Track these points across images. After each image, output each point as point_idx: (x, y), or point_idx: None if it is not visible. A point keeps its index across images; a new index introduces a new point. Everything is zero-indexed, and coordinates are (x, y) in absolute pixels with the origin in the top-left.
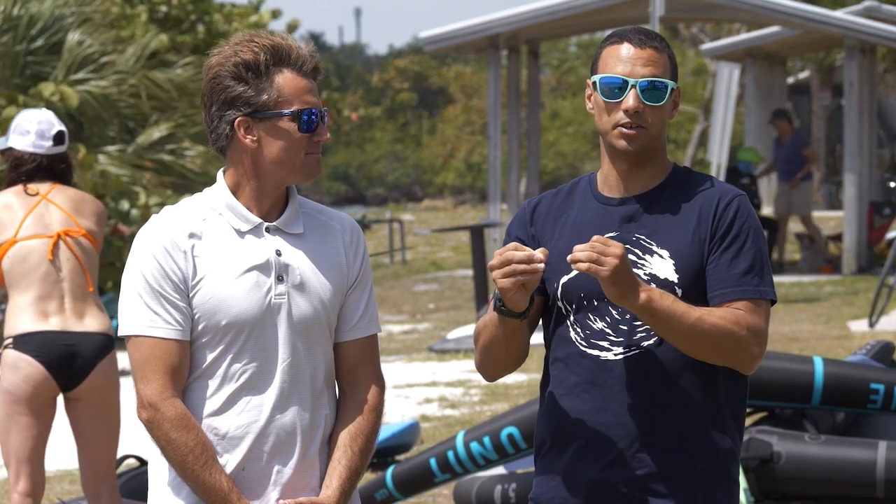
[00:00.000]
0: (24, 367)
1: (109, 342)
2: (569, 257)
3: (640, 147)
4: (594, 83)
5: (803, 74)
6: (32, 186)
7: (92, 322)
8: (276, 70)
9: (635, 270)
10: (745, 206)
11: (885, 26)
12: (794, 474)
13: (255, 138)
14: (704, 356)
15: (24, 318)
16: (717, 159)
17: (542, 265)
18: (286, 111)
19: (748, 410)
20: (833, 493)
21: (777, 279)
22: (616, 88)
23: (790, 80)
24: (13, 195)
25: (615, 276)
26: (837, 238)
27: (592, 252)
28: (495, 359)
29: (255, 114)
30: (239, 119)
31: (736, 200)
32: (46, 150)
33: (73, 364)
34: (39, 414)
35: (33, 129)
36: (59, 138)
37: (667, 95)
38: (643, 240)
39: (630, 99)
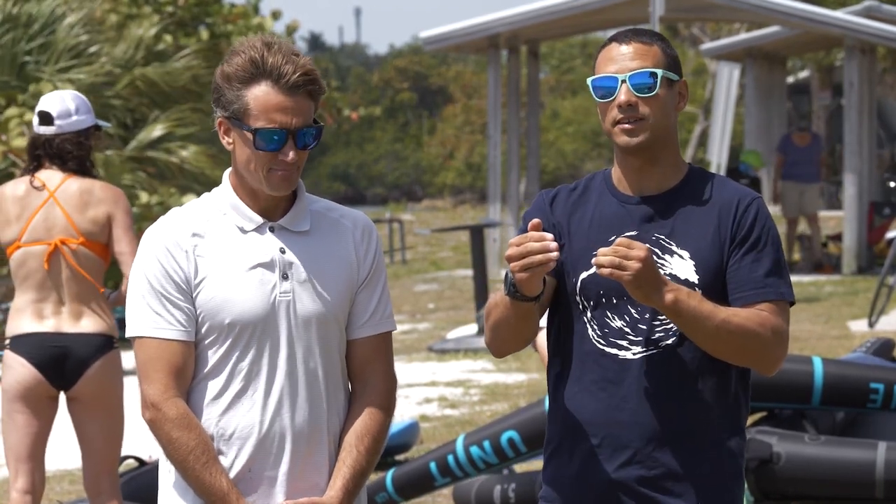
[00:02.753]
0: (17, 368)
1: (107, 342)
2: (593, 260)
3: (642, 141)
4: (590, 88)
5: (803, 74)
6: (40, 178)
7: (89, 323)
8: (254, 83)
9: None
10: (764, 209)
11: (885, 26)
12: (794, 475)
13: (230, 141)
14: (728, 357)
15: (22, 319)
16: (717, 159)
17: (556, 254)
18: (246, 126)
19: None
20: (833, 493)
21: None
22: (607, 87)
23: (790, 79)
24: (25, 185)
25: (637, 281)
26: (837, 238)
27: (615, 257)
28: (505, 338)
29: (229, 118)
30: (220, 119)
31: (755, 203)
32: (45, 132)
33: (64, 365)
34: (37, 413)
35: (36, 109)
36: (43, 118)
37: (658, 84)
38: (663, 240)
39: (621, 94)
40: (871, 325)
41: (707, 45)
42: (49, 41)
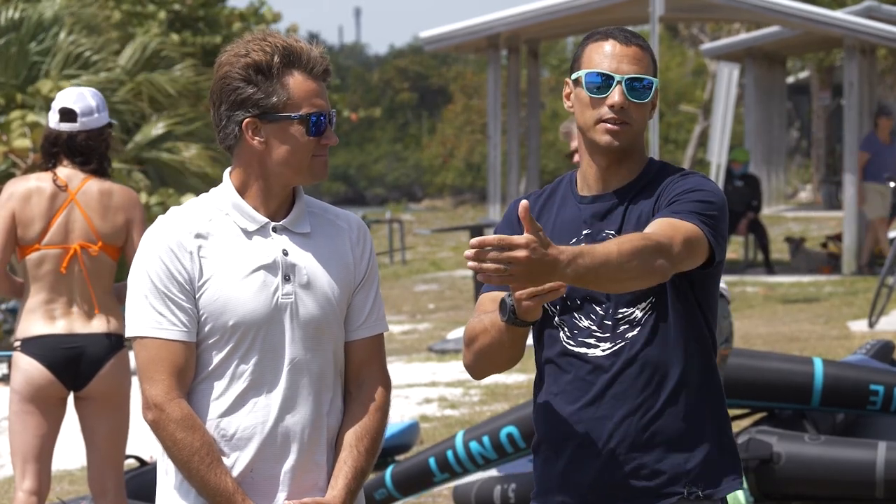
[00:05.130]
0: (28, 370)
1: (118, 342)
2: (479, 277)
3: (624, 143)
4: (577, 79)
5: (803, 74)
6: (62, 177)
7: (100, 323)
8: (287, 72)
9: None
10: (700, 179)
11: (885, 26)
12: (794, 474)
13: (262, 140)
14: (628, 285)
15: (33, 320)
16: (717, 159)
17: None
18: (294, 115)
19: (747, 411)
20: (833, 493)
21: (777, 279)
22: (601, 84)
23: (790, 79)
24: (50, 184)
25: (528, 278)
26: (837, 238)
27: (499, 265)
28: (494, 361)
29: (263, 116)
30: (247, 120)
31: (694, 175)
32: (69, 129)
33: (78, 366)
34: (46, 414)
35: (56, 106)
36: (66, 115)
37: (651, 93)
38: (612, 236)
39: (616, 95)
40: (871, 325)
41: (707, 45)
42: (54, 45)
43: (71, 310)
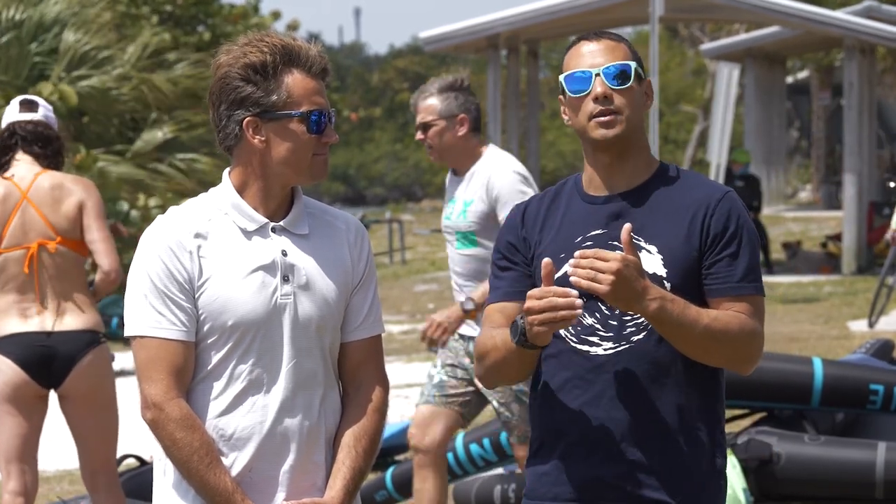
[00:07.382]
0: (2, 370)
1: (94, 338)
2: (568, 270)
3: (618, 135)
4: (562, 87)
5: (803, 74)
6: (12, 178)
7: (73, 320)
8: (286, 71)
9: None
10: (738, 204)
11: (885, 26)
12: (794, 475)
13: (263, 138)
14: (704, 359)
15: (6, 320)
16: (717, 159)
17: (580, 311)
18: (295, 112)
19: (746, 411)
20: (833, 493)
21: (777, 279)
22: (581, 81)
23: (790, 80)
24: (1, 187)
25: (615, 293)
26: (837, 238)
27: (590, 270)
28: (505, 376)
29: (263, 114)
30: (248, 119)
31: (727, 197)
32: (31, 117)
33: (51, 364)
34: (26, 414)
35: (13, 101)
36: (27, 105)
37: (632, 77)
38: (631, 235)
39: (597, 86)
40: (870, 325)
41: (707, 45)
42: (57, 45)
43: (44, 308)
